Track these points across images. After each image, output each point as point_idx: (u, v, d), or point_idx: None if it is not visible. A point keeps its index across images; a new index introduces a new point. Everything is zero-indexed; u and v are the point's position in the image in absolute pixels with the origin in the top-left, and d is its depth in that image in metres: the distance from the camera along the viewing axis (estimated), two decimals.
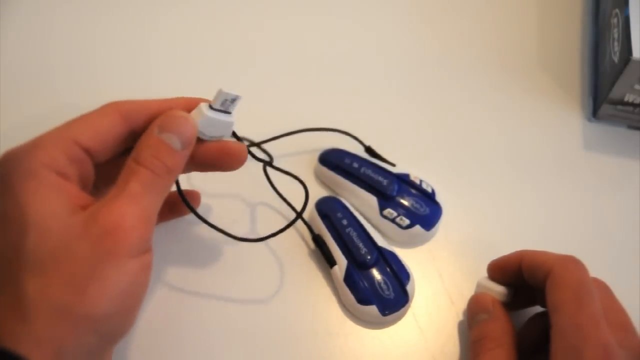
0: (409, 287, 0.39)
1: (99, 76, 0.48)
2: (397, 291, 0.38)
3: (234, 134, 0.36)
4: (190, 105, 0.34)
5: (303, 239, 0.41)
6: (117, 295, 0.28)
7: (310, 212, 0.42)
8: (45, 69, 0.47)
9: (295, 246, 0.41)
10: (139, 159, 0.31)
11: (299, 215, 0.39)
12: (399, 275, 0.39)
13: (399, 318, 0.39)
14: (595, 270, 0.34)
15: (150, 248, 0.31)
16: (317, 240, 0.40)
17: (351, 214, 0.41)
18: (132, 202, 0.29)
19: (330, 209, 0.41)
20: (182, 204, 0.36)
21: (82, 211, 0.29)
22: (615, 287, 0.34)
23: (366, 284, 0.38)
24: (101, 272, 0.28)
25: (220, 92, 0.33)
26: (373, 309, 0.38)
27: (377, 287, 0.38)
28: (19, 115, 0.44)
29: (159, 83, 0.48)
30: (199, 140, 0.34)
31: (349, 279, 0.38)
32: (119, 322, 0.29)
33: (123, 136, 0.32)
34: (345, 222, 0.40)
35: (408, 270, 0.39)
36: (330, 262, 0.39)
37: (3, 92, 0.45)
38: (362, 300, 0.38)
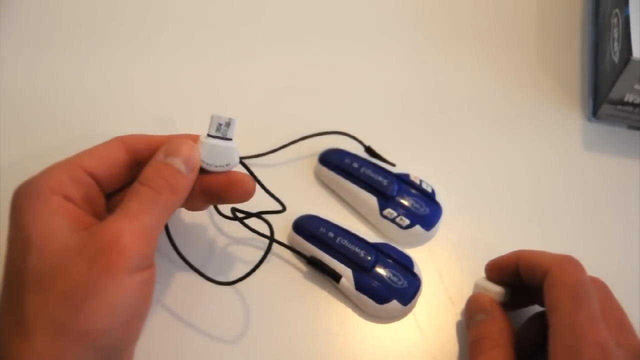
0: (416, 270, 0.39)
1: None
2: (408, 277, 0.39)
3: (243, 164, 0.36)
4: (193, 139, 0.34)
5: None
6: (115, 310, 0.29)
7: (291, 237, 0.41)
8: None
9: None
10: (143, 179, 0.32)
11: (272, 239, 0.37)
12: (402, 263, 0.39)
13: (416, 302, 0.39)
14: (595, 270, 0.34)
15: (152, 264, 0.31)
16: (313, 261, 0.39)
17: (333, 224, 0.41)
18: (130, 220, 0.30)
19: (312, 226, 0.40)
20: (218, 193, 0.35)
21: (83, 231, 0.30)
22: (615, 287, 0.34)
23: (378, 284, 0.38)
24: (98, 289, 0.28)
25: (212, 117, 0.34)
26: (394, 304, 0.38)
27: (389, 282, 0.38)
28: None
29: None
30: (205, 172, 0.34)
31: (360, 286, 0.38)
32: (118, 337, 0.30)
33: (126, 164, 0.34)
34: (331, 234, 0.40)
35: (408, 255, 0.40)
36: (335, 277, 0.39)
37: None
38: (381, 299, 0.38)
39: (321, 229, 0.40)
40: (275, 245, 0.40)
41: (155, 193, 0.31)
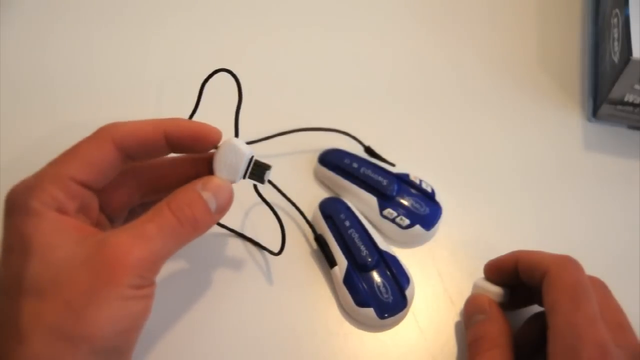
0: (408, 292, 0.39)
1: (97, 89, 0.48)
2: (396, 295, 0.38)
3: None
4: (182, 126, 0.34)
5: (306, 238, 0.42)
6: (114, 319, 0.29)
7: (313, 213, 0.42)
8: (44, 84, 0.47)
9: (297, 245, 0.41)
10: (172, 204, 0.32)
11: (280, 252, 0.39)
12: (398, 279, 0.39)
13: (397, 322, 0.39)
14: (595, 270, 0.34)
15: (153, 283, 0.31)
16: (319, 240, 0.40)
17: (354, 215, 0.41)
18: (142, 242, 0.30)
19: (333, 210, 0.41)
20: (185, 147, 0.35)
21: (87, 239, 0.30)
22: (615, 287, 0.34)
23: (365, 287, 0.38)
24: (98, 298, 0.29)
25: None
26: (370, 312, 0.38)
27: (376, 290, 0.38)
28: (19, 131, 0.45)
29: (156, 87, 0.48)
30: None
31: (348, 281, 0.38)
32: (117, 344, 0.30)
33: (117, 162, 0.33)
34: (347, 223, 0.40)
35: (408, 275, 0.39)
36: (331, 262, 0.39)
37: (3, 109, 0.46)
38: (360, 302, 0.38)
39: (341, 215, 0.41)
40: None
41: (178, 224, 0.31)
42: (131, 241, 0.30)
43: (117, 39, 0.50)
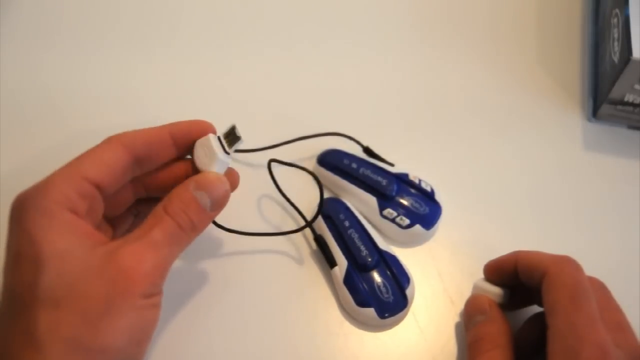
0: (408, 291, 0.39)
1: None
2: (397, 295, 0.38)
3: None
4: (184, 129, 0.35)
5: (306, 239, 0.42)
6: (127, 329, 0.29)
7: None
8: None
9: (297, 245, 0.41)
10: (169, 209, 0.32)
11: (310, 224, 0.40)
12: (399, 279, 0.39)
13: (398, 321, 0.39)
14: (595, 270, 0.34)
15: (161, 291, 0.32)
16: (319, 240, 0.40)
17: (354, 215, 0.41)
18: (152, 250, 0.31)
19: (333, 210, 0.41)
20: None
21: (99, 247, 0.30)
22: (615, 287, 0.34)
23: (365, 287, 0.38)
24: (114, 309, 0.29)
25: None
26: (371, 312, 0.38)
27: (376, 290, 0.38)
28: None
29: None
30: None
31: (348, 281, 0.38)
32: (131, 355, 0.30)
33: (128, 166, 0.33)
34: (347, 223, 0.40)
35: (408, 274, 0.39)
36: (331, 263, 0.39)
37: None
38: (361, 302, 0.38)
39: (340, 215, 0.41)
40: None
41: (179, 229, 0.32)
42: (143, 249, 0.30)
43: (116, 53, 0.50)
